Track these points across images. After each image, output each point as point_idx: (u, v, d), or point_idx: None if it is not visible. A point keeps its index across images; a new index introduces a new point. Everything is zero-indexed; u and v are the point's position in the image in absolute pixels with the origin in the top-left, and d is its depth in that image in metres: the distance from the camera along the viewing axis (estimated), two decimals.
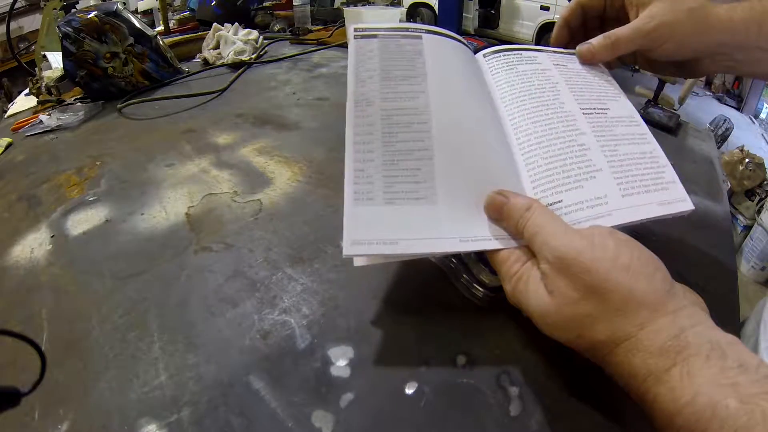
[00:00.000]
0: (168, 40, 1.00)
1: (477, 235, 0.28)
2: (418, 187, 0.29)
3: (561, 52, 0.38)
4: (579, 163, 0.30)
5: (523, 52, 0.38)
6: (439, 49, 0.36)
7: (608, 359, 0.23)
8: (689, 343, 0.21)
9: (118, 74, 0.80)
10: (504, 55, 0.38)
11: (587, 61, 0.37)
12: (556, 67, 0.36)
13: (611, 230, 0.25)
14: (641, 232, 0.42)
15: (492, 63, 0.37)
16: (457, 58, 0.36)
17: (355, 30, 0.35)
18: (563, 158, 0.31)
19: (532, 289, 0.25)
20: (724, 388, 0.19)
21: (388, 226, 0.27)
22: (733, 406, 0.18)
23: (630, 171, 0.30)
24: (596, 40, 0.35)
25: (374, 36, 0.35)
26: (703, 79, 2.86)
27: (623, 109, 0.34)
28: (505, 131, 0.33)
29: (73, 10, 0.95)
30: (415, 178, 0.29)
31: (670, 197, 0.29)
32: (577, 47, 0.37)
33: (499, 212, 0.28)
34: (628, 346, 0.22)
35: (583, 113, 0.33)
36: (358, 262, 0.29)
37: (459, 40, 0.38)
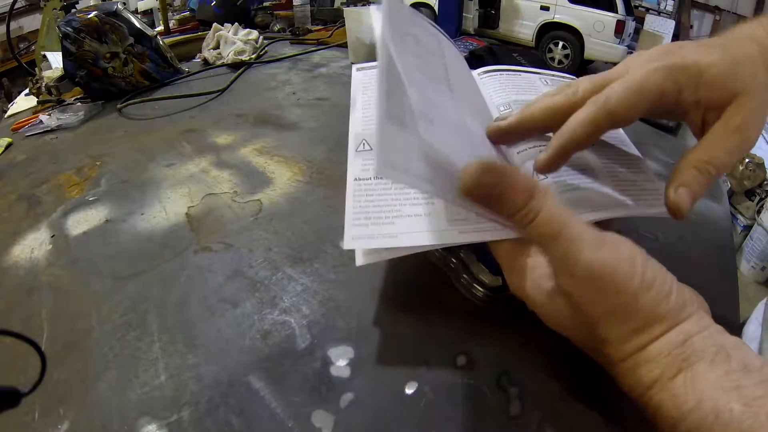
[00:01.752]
0: (168, 40, 1.00)
1: (477, 226, 0.28)
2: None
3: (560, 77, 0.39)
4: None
5: (521, 74, 0.39)
6: (450, 47, 0.37)
7: (613, 366, 0.23)
8: (695, 349, 0.20)
9: (118, 74, 0.80)
10: (497, 75, 0.39)
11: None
12: None
13: (631, 242, 0.23)
14: (642, 233, 0.42)
15: (488, 81, 0.39)
16: (457, 64, 0.37)
17: (357, 69, 0.38)
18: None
19: (546, 291, 0.24)
20: (728, 392, 0.19)
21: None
22: (737, 409, 0.18)
23: (628, 190, 0.30)
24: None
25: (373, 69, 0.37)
26: None
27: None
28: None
29: (73, 10, 0.95)
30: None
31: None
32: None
33: (500, 184, 0.22)
34: (636, 358, 0.22)
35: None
36: (359, 261, 0.29)
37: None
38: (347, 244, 0.27)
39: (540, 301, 0.24)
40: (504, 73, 0.39)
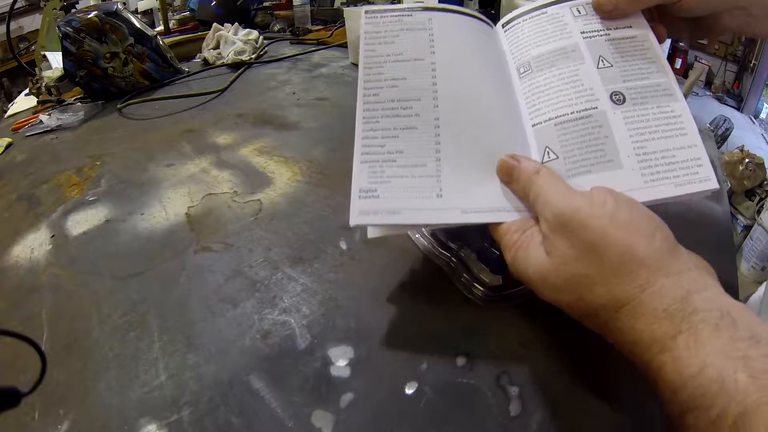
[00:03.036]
0: (168, 40, 1.00)
1: (479, 207, 0.28)
2: (423, 160, 0.29)
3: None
4: (597, 153, 0.28)
5: (548, 10, 0.34)
6: (449, 26, 0.35)
7: (611, 325, 0.22)
8: (696, 309, 0.20)
9: (118, 74, 0.80)
10: (521, 22, 0.35)
11: (609, 14, 0.32)
12: (585, 40, 0.32)
13: (611, 189, 0.24)
14: None
15: (510, 35, 0.35)
16: (468, 34, 0.35)
17: (366, 12, 0.35)
18: (579, 146, 0.29)
19: (532, 254, 0.25)
20: (734, 361, 0.17)
21: (393, 196, 0.28)
22: (742, 380, 0.17)
23: (658, 167, 0.27)
24: None
25: (385, 16, 0.34)
26: (703, 78, 2.86)
27: (663, 78, 0.30)
28: (519, 110, 0.32)
29: (73, 10, 0.95)
30: (420, 152, 0.29)
31: (694, 178, 0.27)
32: (596, 2, 0.33)
33: (509, 175, 0.28)
34: (630, 309, 0.21)
35: (612, 101, 0.30)
36: (371, 233, 0.30)
37: (472, 15, 0.36)
38: (353, 220, 0.27)
39: (533, 270, 0.25)
40: (527, 18, 0.35)
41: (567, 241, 0.23)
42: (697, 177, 0.27)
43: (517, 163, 0.28)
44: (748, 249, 1.75)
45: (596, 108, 0.29)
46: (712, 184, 0.27)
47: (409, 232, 0.40)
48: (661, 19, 0.35)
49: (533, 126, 0.31)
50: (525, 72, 0.33)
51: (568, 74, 0.31)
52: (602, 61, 0.31)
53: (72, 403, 0.29)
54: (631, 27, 0.32)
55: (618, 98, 0.30)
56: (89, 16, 0.76)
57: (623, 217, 0.22)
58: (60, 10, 1.04)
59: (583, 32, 0.32)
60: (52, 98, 0.82)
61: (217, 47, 1.00)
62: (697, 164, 0.27)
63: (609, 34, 0.32)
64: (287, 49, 1.07)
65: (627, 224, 0.22)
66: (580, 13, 0.33)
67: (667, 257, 0.22)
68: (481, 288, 0.34)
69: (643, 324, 0.20)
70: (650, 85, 0.30)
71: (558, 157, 0.29)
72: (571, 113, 0.30)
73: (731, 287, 0.38)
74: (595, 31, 0.32)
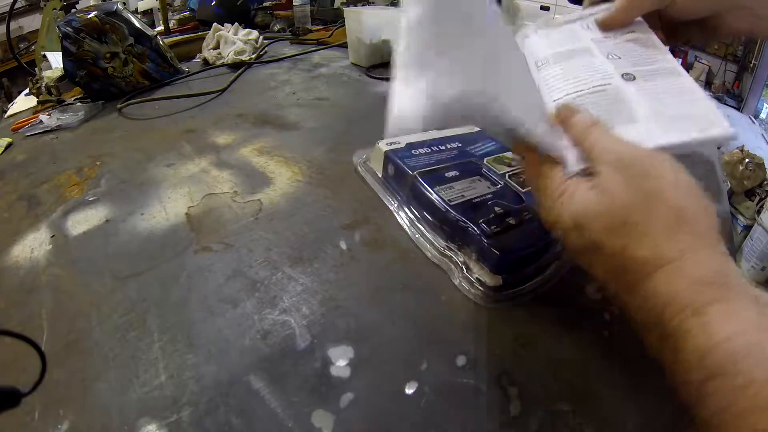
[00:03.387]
0: (168, 40, 1.00)
1: (519, 114, 0.27)
2: (469, 67, 0.27)
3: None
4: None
5: (561, 27, 0.37)
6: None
7: (642, 284, 0.22)
8: (732, 283, 0.20)
9: (118, 74, 0.80)
10: (534, 35, 0.38)
11: (610, 28, 0.35)
12: (595, 44, 0.35)
13: (671, 156, 0.25)
14: None
15: (527, 43, 0.37)
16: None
17: None
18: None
19: (581, 197, 0.24)
20: (764, 332, 0.18)
21: (439, 81, 0.25)
22: None
23: (676, 121, 0.29)
24: (616, 4, 0.34)
25: None
26: (703, 79, 2.87)
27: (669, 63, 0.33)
28: (539, 93, 0.34)
29: (73, 10, 0.95)
30: (465, 59, 0.27)
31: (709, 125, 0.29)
32: (597, 19, 0.36)
33: (566, 121, 0.29)
34: (670, 269, 0.21)
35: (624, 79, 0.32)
36: (393, 127, 0.25)
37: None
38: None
39: (585, 207, 0.24)
40: (542, 33, 0.38)
41: (626, 183, 0.23)
42: (715, 124, 0.28)
43: (574, 112, 0.28)
44: (748, 249, 1.75)
45: (610, 84, 0.32)
46: (732, 131, 0.28)
47: (409, 233, 0.40)
48: (666, 27, 0.36)
49: (554, 101, 0.32)
50: (543, 64, 0.35)
51: (583, 63, 0.34)
52: (611, 55, 0.34)
53: (72, 403, 0.29)
54: (634, 32, 0.35)
55: (629, 77, 0.32)
56: (89, 16, 0.76)
57: (682, 182, 0.23)
58: (60, 10, 1.04)
59: (592, 39, 0.36)
60: (52, 98, 0.82)
61: (217, 47, 1.00)
62: (714, 114, 0.29)
63: (616, 39, 0.35)
64: (287, 49, 1.07)
65: (684, 187, 0.23)
66: (589, 27, 0.37)
67: (712, 232, 0.23)
68: (481, 288, 0.34)
69: (682, 285, 0.21)
70: (657, 68, 0.33)
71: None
72: (588, 89, 0.32)
73: None
74: (603, 38, 0.36)
